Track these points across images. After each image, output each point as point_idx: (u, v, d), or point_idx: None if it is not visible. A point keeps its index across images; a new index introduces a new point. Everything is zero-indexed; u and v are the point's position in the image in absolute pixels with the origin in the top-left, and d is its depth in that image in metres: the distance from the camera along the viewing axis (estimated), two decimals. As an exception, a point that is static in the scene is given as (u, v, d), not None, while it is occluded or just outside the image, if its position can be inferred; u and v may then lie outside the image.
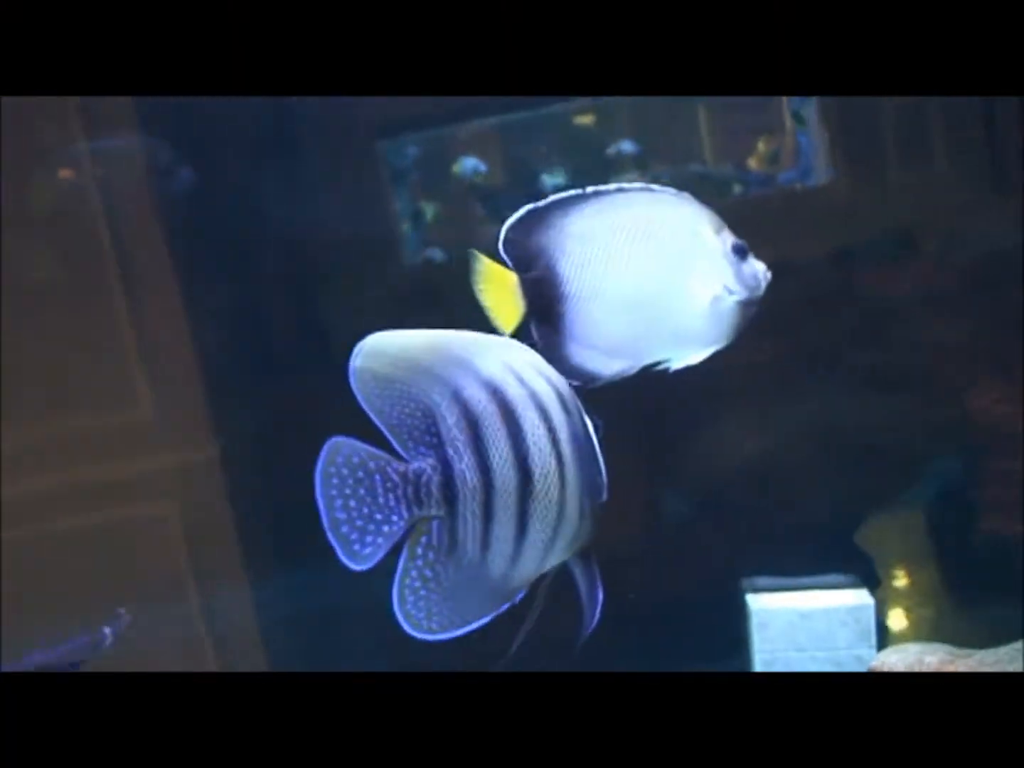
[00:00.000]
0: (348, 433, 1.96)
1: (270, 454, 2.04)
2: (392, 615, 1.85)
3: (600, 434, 0.94)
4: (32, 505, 1.91)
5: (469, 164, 2.01)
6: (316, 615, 1.98)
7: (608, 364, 1.12)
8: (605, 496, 0.93)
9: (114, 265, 1.89)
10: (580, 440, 0.90)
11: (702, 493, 1.95)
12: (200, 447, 1.95)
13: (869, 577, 1.83)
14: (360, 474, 0.88)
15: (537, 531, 0.87)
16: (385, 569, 1.88)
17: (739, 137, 1.96)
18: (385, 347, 0.90)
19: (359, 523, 0.89)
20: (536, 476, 0.86)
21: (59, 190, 1.87)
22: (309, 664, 2.07)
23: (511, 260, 1.12)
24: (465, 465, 0.87)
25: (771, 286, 1.13)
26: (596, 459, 0.92)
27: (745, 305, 1.12)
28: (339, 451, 0.89)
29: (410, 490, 0.87)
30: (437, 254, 2.04)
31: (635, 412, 1.85)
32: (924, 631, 1.57)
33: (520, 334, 1.11)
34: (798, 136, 1.92)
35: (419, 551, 0.90)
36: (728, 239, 1.12)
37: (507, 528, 0.87)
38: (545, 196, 1.11)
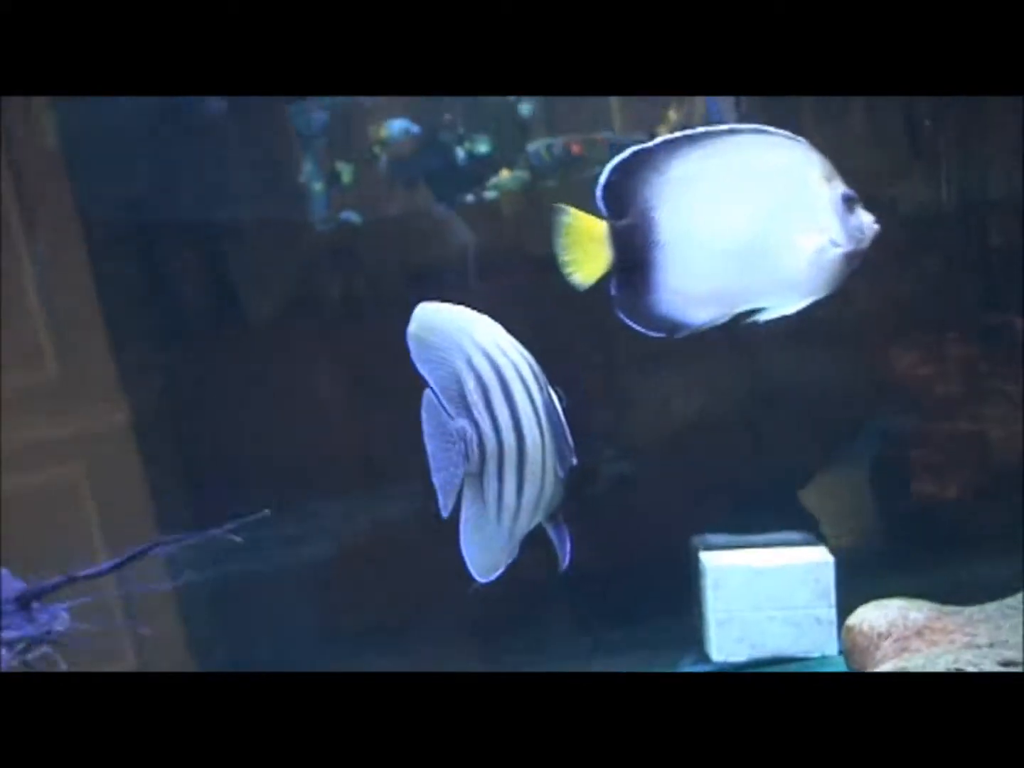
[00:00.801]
0: (260, 397, 1.96)
1: (179, 418, 2.02)
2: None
3: (564, 404, 1.00)
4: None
5: (398, 126, 1.96)
6: (228, 579, 1.97)
7: (698, 313, 1.09)
8: (573, 461, 1.00)
9: (19, 223, 1.84)
10: (550, 411, 0.97)
11: (653, 451, 1.93)
12: (108, 410, 1.92)
13: (823, 536, 1.80)
14: (436, 428, 0.97)
15: (529, 492, 0.95)
16: (278, 538, 1.90)
17: (649, 103, 1.96)
18: (424, 316, 0.97)
19: (442, 473, 0.97)
20: (528, 441, 0.94)
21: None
22: (221, 629, 2.07)
23: (607, 206, 1.07)
24: (487, 427, 0.95)
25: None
26: (563, 428, 0.98)
27: (849, 257, 1.09)
28: (428, 404, 0.97)
29: (461, 446, 0.95)
30: (353, 216, 2.02)
31: (584, 370, 1.82)
32: (882, 593, 1.57)
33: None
34: (708, 103, 1.90)
35: (466, 504, 0.98)
36: (838, 188, 1.08)
37: (511, 488, 0.95)
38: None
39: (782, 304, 1.10)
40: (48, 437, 1.90)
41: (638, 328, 1.10)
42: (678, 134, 1.08)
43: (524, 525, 0.98)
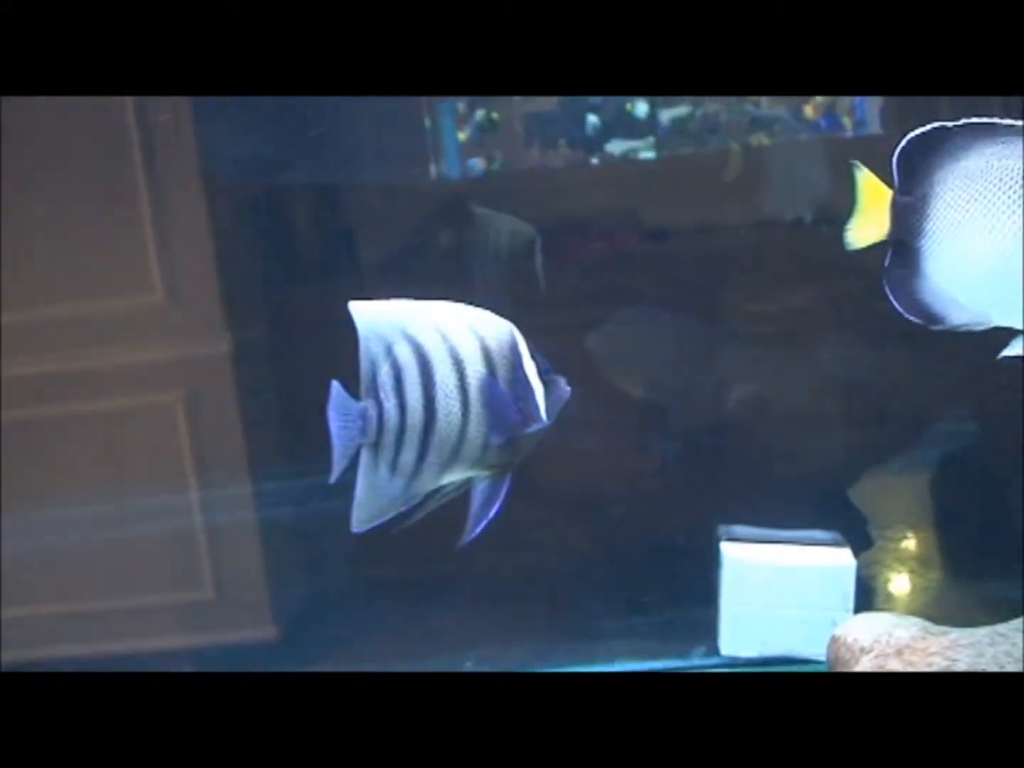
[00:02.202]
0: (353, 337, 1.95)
1: (279, 352, 2.02)
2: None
3: (548, 374, 1.12)
4: (38, 387, 1.91)
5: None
6: (313, 513, 1.98)
7: (954, 312, 1.06)
8: (531, 428, 1.12)
9: (138, 151, 1.85)
10: (493, 386, 1.11)
11: (693, 437, 1.89)
12: (210, 339, 1.93)
13: (856, 538, 1.73)
14: (341, 410, 1.13)
15: (433, 458, 1.12)
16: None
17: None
18: (362, 312, 1.14)
19: (339, 446, 1.14)
20: (439, 416, 1.11)
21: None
22: (299, 559, 2.08)
23: (899, 175, 1.05)
24: (391, 405, 1.12)
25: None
26: (521, 399, 1.12)
27: None
28: (334, 390, 1.14)
29: (360, 423, 1.12)
30: (477, 164, 1.99)
31: (627, 356, 1.83)
32: (909, 601, 1.49)
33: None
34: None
35: (360, 467, 1.15)
36: None
37: (410, 454, 1.12)
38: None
39: None
40: (150, 360, 1.92)
41: (898, 308, 1.08)
42: (983, 120, 1.01)
43: (428, 483, 1.14)
